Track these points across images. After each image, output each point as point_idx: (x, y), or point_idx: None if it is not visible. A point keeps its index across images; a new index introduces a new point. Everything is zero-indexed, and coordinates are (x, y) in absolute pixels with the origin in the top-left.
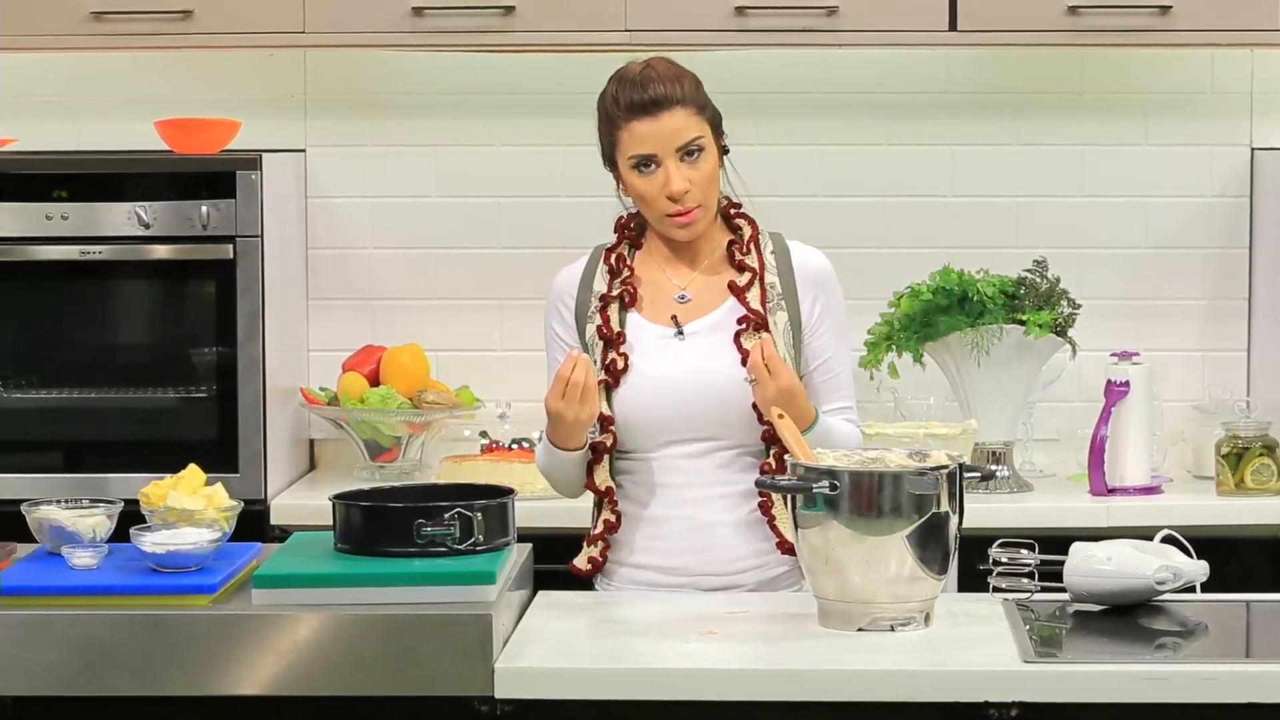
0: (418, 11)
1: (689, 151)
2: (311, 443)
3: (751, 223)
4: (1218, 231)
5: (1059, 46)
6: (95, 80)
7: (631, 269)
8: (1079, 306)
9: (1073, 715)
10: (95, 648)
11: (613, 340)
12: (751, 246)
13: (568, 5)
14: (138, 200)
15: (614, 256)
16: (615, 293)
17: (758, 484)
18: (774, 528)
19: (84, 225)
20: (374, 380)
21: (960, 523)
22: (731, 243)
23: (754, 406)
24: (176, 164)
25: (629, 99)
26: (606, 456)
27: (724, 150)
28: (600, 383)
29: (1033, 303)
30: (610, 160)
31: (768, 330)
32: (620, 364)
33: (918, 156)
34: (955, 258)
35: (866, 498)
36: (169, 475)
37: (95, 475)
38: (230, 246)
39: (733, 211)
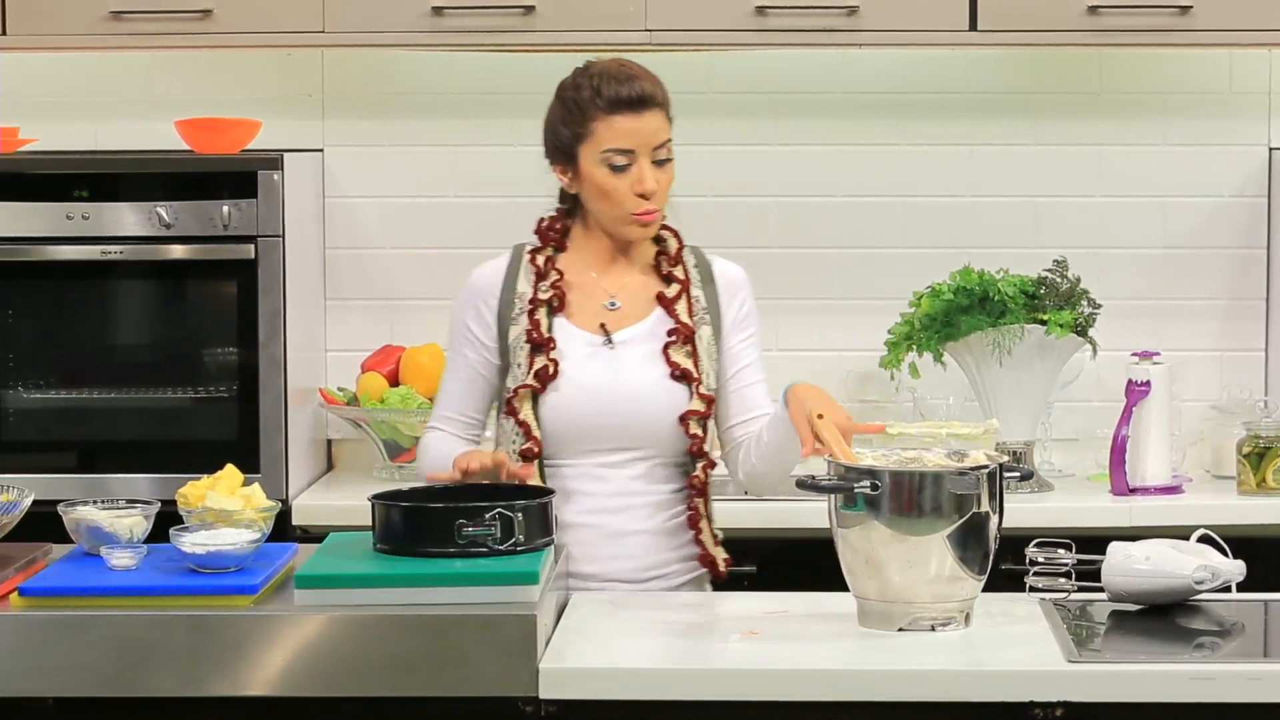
0: (437, 11)
1: (660, 154)
2: (329, 443)
3: (676, 235)
4: (1236, 231)
5: (1079, 46)
6: (114, 80)
7: (560, 272)
8: (1099, 306)
9: (1118, 715)
10: (138, 648)
11: (543, 345)
12: (678, 259)
13: (588, 5)
14: (158, 200)
15: (541, 259)
16: (545, 296)
17: (799, 484)
18: (699, 541)
19: (105, 225)
20: (393, 380)
21: (1000, 523)
22: (659, 254)
23: (680, 419)
24: (198, 164)
25: (614, 92)
26: (535, 462)
27: None
28: (527, 388)
29: (1053, 302)
30: (568, 153)
31: (693, 343)
32: (551, 369)
33: (936, 156)
34: (973, 257)
35: (907, 498)
36: (191, 476)
37: (117, 475)
38: (252, 246)
39: None
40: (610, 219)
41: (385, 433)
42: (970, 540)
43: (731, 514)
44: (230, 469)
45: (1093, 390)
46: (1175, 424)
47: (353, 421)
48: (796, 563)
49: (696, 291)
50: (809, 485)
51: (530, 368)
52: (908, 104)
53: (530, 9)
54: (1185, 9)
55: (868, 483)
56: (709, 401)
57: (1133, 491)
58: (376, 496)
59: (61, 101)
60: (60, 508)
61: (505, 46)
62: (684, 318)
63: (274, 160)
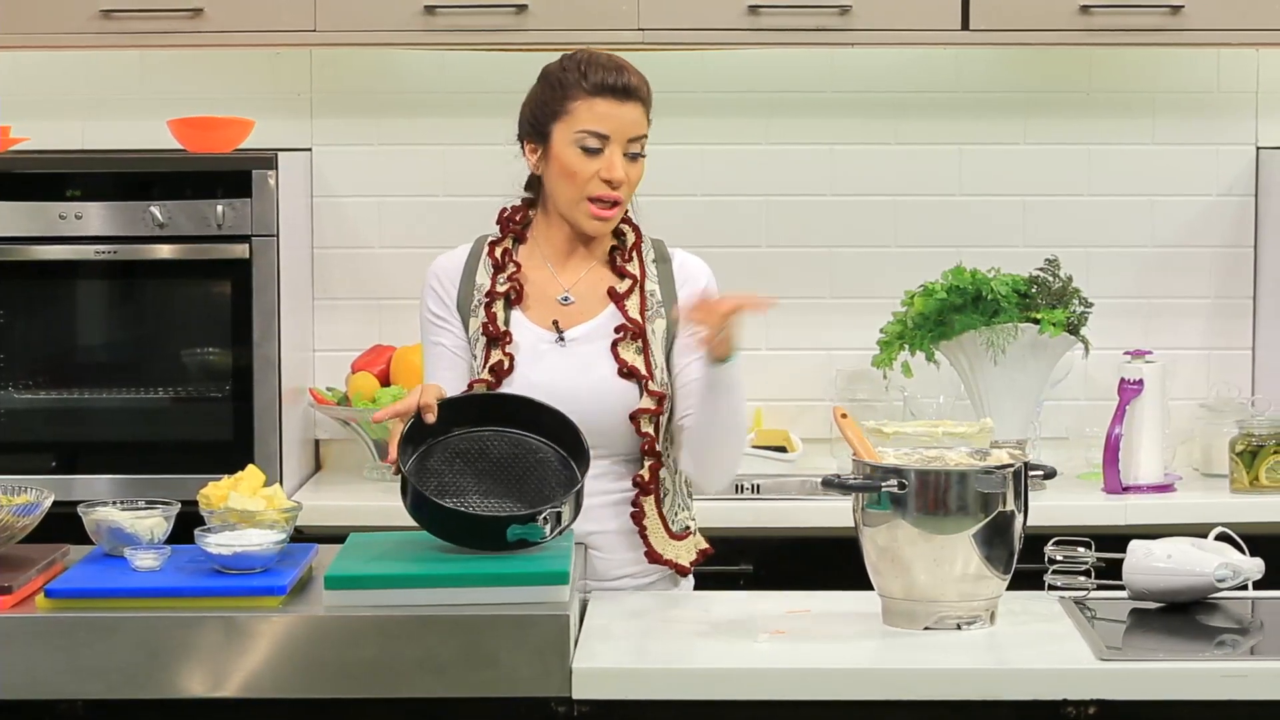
0: (430, 10)
1: (633, 148)
2: (317, 443)
3: (635, 229)
4: (1223, 230)
5: (1071, 45)
6: (103, 79)
7: (518, 265)
8: (1091, 305)
9: (1149, 713)
10: (167, 650)
11: (499, 339)
12: (634, 254)
13: (580, 4)
14: (152, 200)
15: (499, 250)
16: (502, 289)
17: (824, 483)
18: (644, 538)
19: (98, 225)
20: (384, 380)
21: (1025, 521)
22: (614, 248)
23: (631, 417)
24: (192, 163)
25: (600, 77)
26: None
27: None
28: (482, 382)
29: (1046, 301)
30: (541, 130)
31: (645, 340)
32: (506, 364)
33: (927, 155)
34: (964, 256)
35: (934, 496)
36: (185, 476)
37: (111, 476)
38: (246, 246)
39: None
40: (567, 202)
41: (376, 433)
42: (996, 539)
43: (726, 513)
44: (252, 469)
45: (1080, 389)
46: (1166, 422)
47: (342, 421)
48: (792, 562)
49: (652, 286)
50: (835, 484)
51: (486, 362)
52: (899, 103)
53: (523, 8)
54: (1177, 9)
55: (894, 481)
56: (660, 399)
57: (1126, 490)
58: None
59: (52, 101)
60: (80, 509)
61: (498, 45)
62: (634, 314)
63: (268, 160)
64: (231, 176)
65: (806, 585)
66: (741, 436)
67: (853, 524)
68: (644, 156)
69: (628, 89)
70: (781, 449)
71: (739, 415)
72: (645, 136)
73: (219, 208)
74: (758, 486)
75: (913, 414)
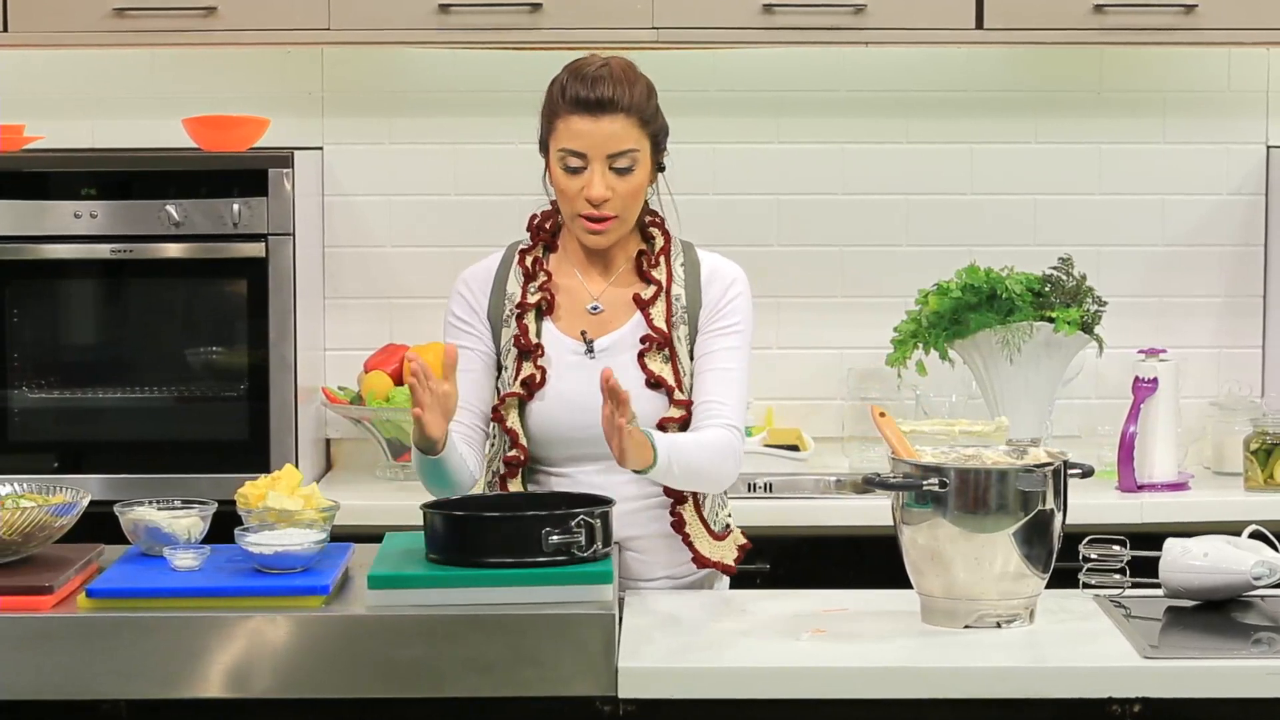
0: (444, 8)
1: (619, 163)
2: (328, 443)
3: (665, 234)
4: (1234, 229)
5: (1085, 45)
6: (116, 77)
7: (549, 274)
8: (1105, 304)
9: (1193, 711)
10: (210, 650)
11: (530, 352)
12: (661, 259)
13: (594, 3)
14: (168, 198)
15: (530, 259)
16: (533, 299)
17: (866, 480)
18: (689, 544)
19: (114, 224)
20: (397, 379)
21: (1064, 520)
22: (641, 253)
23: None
24: (207, 162)
25: (575, 93)
26: (520, 470)
27: (660, 167)
28: (514, 395)
29: (1060, 300)
30: (544, 146)
31: (671, 348)
32: (538, 378)
33: (938, 154)
34: (975, 255)
35: (974, 495)
36: (203, 475)
37: (127, 476)
38: (262, 245)
39: (648, 220)
40: (566, 217)
41: (390, 432)
42: (1035, 537)
43: (740, 512)
44: (289, 468)
45: (1092, 387)
46: (1179, 421)
47: (354, 420)
48: (808, 560)
49: (678, 290)
50: (876, 483)
51: (518, 374)
52: (910, 102)
53: (537, 7)
54: (1190, 8)
55: (936, 480)
56: (688, 407)
57: (1141, 488)
58: (431, 506)
59: (64, 99)
60: (117, 508)
61: (511, 45)
62: (659, 321)
63: (285, 158)
64: (247, 175)
65: (824, 583)
66: (710, 484)
67: (866, 522)
68: (633, 169)
69: (601, 102)
70: (793, 448)
71: (698, 482)
72: (632, 149)
73: (235, 206)
74: (770, 485)
75: (925, 413)
